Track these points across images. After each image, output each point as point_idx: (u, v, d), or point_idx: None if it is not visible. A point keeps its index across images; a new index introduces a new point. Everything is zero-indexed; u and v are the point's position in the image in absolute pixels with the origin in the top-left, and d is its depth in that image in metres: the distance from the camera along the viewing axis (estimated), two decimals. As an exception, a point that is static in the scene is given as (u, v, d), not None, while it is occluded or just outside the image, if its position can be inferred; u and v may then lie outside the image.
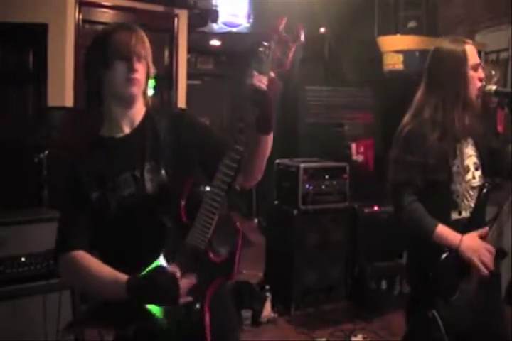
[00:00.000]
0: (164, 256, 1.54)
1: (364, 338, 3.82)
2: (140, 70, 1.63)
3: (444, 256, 2.06)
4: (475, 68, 2.17)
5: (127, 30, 1.65)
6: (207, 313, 1.56)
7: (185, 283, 1.52)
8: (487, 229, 2.12)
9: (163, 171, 1.63)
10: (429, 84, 2.22)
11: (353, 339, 3.82)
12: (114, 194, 1.60)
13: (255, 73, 1.53)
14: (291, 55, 1.56)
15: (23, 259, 2.71)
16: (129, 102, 1.67)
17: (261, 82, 1.51)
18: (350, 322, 4.12)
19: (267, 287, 4.24)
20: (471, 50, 2.18)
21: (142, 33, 1.67)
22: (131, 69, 1.62)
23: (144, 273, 1.51)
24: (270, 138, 1.60)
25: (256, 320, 4.06)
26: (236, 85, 9.30)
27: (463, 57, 2.15)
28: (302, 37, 1.55)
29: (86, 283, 1.61)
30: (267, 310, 4.15)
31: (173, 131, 1.69)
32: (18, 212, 2.89)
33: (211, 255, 1.58)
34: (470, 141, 2.21)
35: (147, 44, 1.67)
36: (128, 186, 1.61)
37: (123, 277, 1.51)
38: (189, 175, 1.65)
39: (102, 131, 1.71)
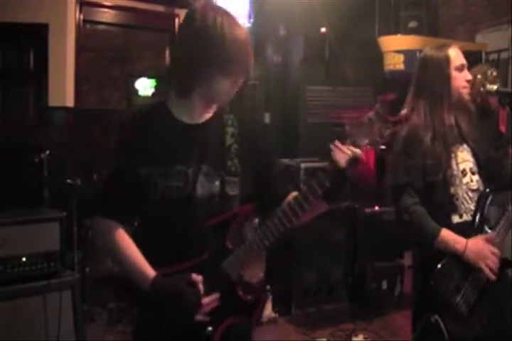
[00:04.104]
0: (195, 269, 1.52)
1: (365, 338, 3.81)
2: None
3: (445, 259, 2.06)
4: (459, 69, 2.22)
5: (246, 40, 1.50)
6: (216, 340, 1.54)
7: (207, 301, 1.50)
8: (493, 234, 2.11)
9: (217, 182, 1.57)
10: (417, 90, 2.27)
11: (353, 339, 3.81)
12: (162, 180, 1.54)
13: (339, 145, 1.48)
14: (386, 135, 1.47)
15: (23, 259, 2.71)
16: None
17: (341, 157, 1.47)
18: (351, 322, 4.11)
19: (268, 287, 4.23)
20: (454, 53, 2.23)
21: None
22: (236, 87, 1.56)
23: (172, 279, 1.49)
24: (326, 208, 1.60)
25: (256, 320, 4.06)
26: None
27: (444, 61, 2.20)
28: (400, 126, 1.48)
29: (116, 259, 1.60)
30: (268, 310, 4.15)
31: (239, 140, 1.62)
32: (19, 212, 2.89)
33: (238, 289, 1.58)
34: (466, 147, 2.23)
35: None
36: (178, 179, 1.54)
37: (151, 273, 1.51)
38: (246, 200, 1.62)
39: (174, 110, 1.60)
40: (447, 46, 2.25)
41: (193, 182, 1.55)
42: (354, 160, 1.48)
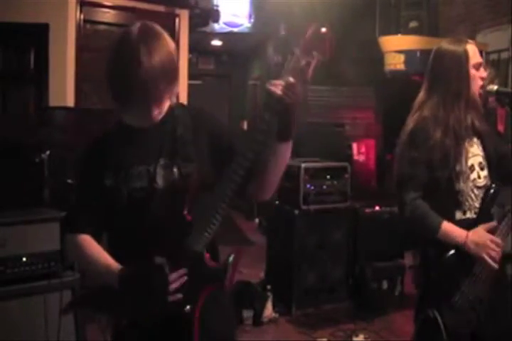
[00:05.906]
0: (163, 253, 1.55)
1: (365, 338, 3.81)
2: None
3: (446, 256, 2.06)
4: (476, 67, 2.17)
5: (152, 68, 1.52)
6: (197, 317, 1.56)
7: (174, 277, 1.52)
8: (494, 223, 2.10)
9: (175, 169, 1.63)
10: (431, 84, 2.23)
11: (354, 339, 3.81)
12: (125, 184, 1.61)
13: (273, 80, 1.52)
14: (313, 65, 1.54)
15: (23, 259, 2.71)
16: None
17: (276, 87, 1.50)
18: (351, 322, 4.11)
19: (268, 287, 4.24)
20: (472, 50, 2.18)
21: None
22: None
23: (135, 267, 1.52)
24: (288, 147, 1.61)
25: (257, 320, 4.06)
26: (237, 85, 9.30)
27: (464, 57, 2.15)
28: (331, 51, 1.53)
29: (85, 268, 1.69)
30: (268, 310, 4.15)
31: (191, 127, 1.68)
32: (19, 212, 2.89)
33: (207, 259, 1.59)
34: (476, 140, 2.20)
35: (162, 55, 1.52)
36: (141, 179, 1.62)
37: (116, 267, 1.54)
38: (201, 174, 1.64)
39: (125, 117, 1.67)
40: (465, 41, 2.20)
41: (154, 178, 1.62)
42: (289, 87, 1.50)
